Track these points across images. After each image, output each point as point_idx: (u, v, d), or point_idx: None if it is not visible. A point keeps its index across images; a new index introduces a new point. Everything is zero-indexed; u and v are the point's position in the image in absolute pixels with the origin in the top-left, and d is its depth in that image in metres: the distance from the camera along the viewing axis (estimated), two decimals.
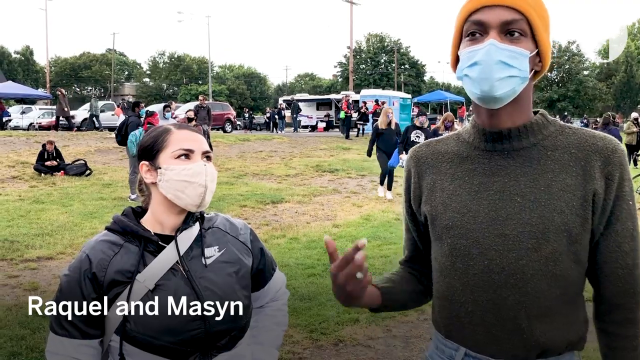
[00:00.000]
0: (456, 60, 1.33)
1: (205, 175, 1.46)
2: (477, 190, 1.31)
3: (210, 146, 1.58)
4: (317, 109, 37.49)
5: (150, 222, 1.52)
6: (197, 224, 1.56)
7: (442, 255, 1.35)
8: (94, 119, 26.10)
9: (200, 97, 19.78)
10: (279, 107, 33.73)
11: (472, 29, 1.26)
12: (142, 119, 11.33)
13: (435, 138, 1.48)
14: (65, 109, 23.56)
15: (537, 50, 1.28)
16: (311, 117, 36.61)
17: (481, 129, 1.33)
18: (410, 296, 1.50)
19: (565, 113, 51.55)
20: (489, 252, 1.26)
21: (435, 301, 1.42)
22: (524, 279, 1.24)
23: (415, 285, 1.51)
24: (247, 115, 38.33)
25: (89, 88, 76.77)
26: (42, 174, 13.06)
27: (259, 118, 39.50)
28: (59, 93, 23.39)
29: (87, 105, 32.08)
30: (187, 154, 1.48)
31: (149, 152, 1.51)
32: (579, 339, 1.31)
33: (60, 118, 23.86)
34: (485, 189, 1.30)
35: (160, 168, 1.48)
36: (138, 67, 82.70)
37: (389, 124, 11.29)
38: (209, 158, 1.52)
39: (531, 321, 1.25)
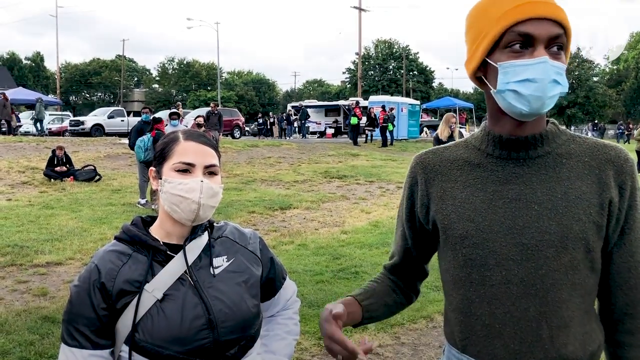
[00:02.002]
0: (479, 65, 1.30)
1: (200, 192, 1.43)
2: (492, 198, 1.29)
3: (219, 152, 1.56)
4: (326, 115, 37.54)
5: (159, 231, 1.52)
6: (206, 233, 1.55)
7: (456, 266, 1.32)
8: (38, 123, 25.32)
9: (212, 104, 19.95)
10: (287, 113, 33.79)
11: (516, 40, 1.22)
12: (145, 124, 11.36)
13: (442, 145, 1.46)
14: (9, 113, 23.14)
15: None
16: (319, 123, 36.66)
17: (497, 135, 1.31)
18: (391, 308, 1.54)
19: (596, 121, 51.10)
20: (506, 262, 1.24)
21: (448, 314, 1.39)
22: (544, 288, 1.22)
23: (397, 296, 1.54)
24: (260, 120, 38.23)
25: (99, 94, 77.33)
26: (52, 180, 13.15)
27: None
28: (2, 97, 23.15)
29: (96, 111, 32.29)
30: (187, 169, 1.46)
31: (158, 159, 1.51)
32: (598, 348, 1.29)
33: (9, 121, 23.21)
34: (499, 197, 1.28)
35: (161, 179, 1.48)
36: (147, 73, 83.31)
37: (451, 135, 9.36)
38: (211, 173, 1.49)
39: (553, 332, 1.23)
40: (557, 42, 1.22)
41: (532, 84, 1.19)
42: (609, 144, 1.30)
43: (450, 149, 1.42)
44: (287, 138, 29.59)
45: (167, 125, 11.82)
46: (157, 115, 14.33)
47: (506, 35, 1.22)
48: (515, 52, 1.22)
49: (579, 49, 58.91)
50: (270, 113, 38.77)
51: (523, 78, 1.20)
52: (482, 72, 1.31)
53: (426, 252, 1.51)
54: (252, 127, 38.84)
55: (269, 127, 35.11)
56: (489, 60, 1.27)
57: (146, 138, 10.54)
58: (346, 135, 30.34)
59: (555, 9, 1.21)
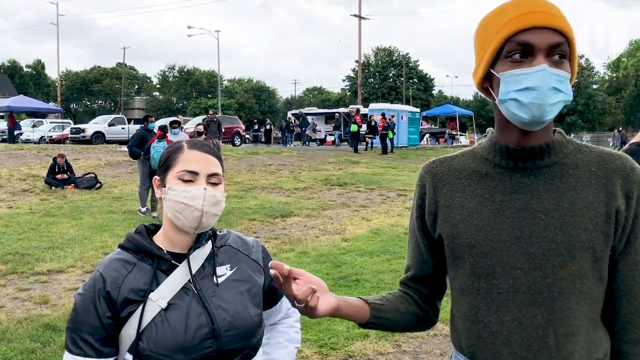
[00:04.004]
0: (484, 76, 1.31)
1: (203, 199, 1.45)
2: (499, 208, 1.30)
3: (221, 159, 1.58)
4: (326, 123, 37.55)
5: (163, 240, 1.53)
6: (210, 242, 1.57)
7: (463, 274, 1.33)
8: None
9: (210, 112, 20.19)
10: (287, 120, 33.78)
11: (516, 50, 1.23)
12: (150, 133, 11.32)
13: (450, 155, 1.47)
14: None
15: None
16: (320, 131, 36.68)
17: (504, 146, 1.32)
18: (406, 317, 1.46)
19: (621, 128, 50.99)
20: (514, 271, 1.25)
21: (456, 321, 1.40)
22: (551, 297, 1.23)
23: (412, 307, 1.48)
24: (256, 127, 38.04)
25: (100, 102, 77.54)
26: (53, 187, 13.18)
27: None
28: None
29: (97, 119, 32.36)
30: (191, 177, 1.47)
31: (162, 167, 1.53)
32: (604, 356, 1.30)
33: None
34: (507, 207, 1.29)
35: (165, 186, 1.50)
36: (148, 81, 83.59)
37: None
38: (214, 182, 1.50)
39: (559, 340, 1.23)
40: (559, 51, 1.22)
41: (532, 92, 1.20)
42: (615, 153, 1.31)
43: (458, 159, 1.43)
44: (287, 145, 29.60)
45: (167, 133, 11.82)
46: (155, 123, 14.30)
47: (507, 45, 1.24)
48: (516, 61, 1.23)
49: (578, 56, 59.01)
50: (267, 120, 38.44)
51: (523, 87, 1.21)
52: (488, 83, 1.32)
53: (443, 261, 1.47)
54: (250, 133, 38.72)
55: (264, 133, 34.86)
56: (492, 71, 1.28)
57: (159, 146, 10.42)
58: (347, 143, 30.38)
59: (555, 18, 1.22)
